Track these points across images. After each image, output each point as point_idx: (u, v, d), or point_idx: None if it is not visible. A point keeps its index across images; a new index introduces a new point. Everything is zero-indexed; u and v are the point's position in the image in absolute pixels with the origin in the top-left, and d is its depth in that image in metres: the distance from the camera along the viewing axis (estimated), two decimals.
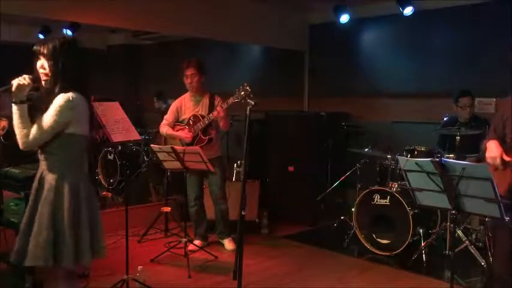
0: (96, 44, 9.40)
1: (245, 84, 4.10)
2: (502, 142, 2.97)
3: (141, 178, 6.61)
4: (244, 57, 8.08)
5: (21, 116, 2.54)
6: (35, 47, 2.58)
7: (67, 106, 2.52)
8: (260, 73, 7.77)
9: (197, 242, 5.00)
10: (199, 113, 4.89)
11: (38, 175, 2.66)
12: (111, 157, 6.74)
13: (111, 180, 6.76)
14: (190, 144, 4.75)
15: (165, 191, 5.75)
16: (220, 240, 5.12)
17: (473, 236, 4.86)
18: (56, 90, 2.55)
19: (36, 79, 2.58)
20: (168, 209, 5.35)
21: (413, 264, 4.63)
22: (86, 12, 5.19)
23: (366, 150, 5.30)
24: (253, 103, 3.58)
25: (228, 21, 6.17)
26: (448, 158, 4.44)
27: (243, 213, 3.05)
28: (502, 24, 5.28)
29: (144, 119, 8.48)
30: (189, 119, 4.91)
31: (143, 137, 6.87)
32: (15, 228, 3.96)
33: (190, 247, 4.70)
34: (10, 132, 6.78)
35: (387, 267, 4.65)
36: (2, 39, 7.16)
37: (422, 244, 4.75)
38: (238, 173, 6.15)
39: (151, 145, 4.74)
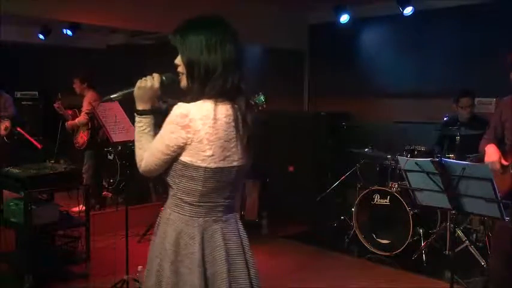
0: (96, 44, 9.39)
1: (260, 92, 4.10)
2: (501, 143, 2.98)
3: (141, 178, 6.60)
4: (244, 57, 8.07)
5: None
6: None
7: None
8: (260, 73, 7.76)
9: None
10: None
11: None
12: (111, 157, 6.74)
13: (111, 180, 6.75)
14: None
15: (165, 191, 5.75)
16: None
17: (473, 236, 4.87)
18: None
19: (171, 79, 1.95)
20: None
21: (413, 264, 4.63)
22: (86, 12, 5.19)
23: (366, 150, 5.30)
24: (253, 103, 3.58)
25: (228, 22, 6.17)
26: (448, 158, 4.44)
27: (242, 213, 3.06)
28: (502, 24, 5.28)
29: None
30: None
31: None
32: (15, 228, 3.97)
33: None
34: (13, 132, 6.81)
35: (387, 267, 4.64)
36: (2, 39, 7.15)
37: (422, 244, 4.75)
38: None
39: None
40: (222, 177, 1.77)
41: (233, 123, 1.75)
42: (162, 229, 1.87)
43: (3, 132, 6.81)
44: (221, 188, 1.79)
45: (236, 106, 1.77)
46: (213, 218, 1.81)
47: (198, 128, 1.69)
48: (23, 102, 9.03)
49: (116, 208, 5.91)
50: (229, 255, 1.80)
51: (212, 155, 1.72)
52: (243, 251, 1.85)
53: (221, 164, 1.75)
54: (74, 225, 4.15)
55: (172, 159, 1.76)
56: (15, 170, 3.92)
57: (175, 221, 1.82)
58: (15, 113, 7.03)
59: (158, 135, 1.79)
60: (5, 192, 4.13)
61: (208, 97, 1.74)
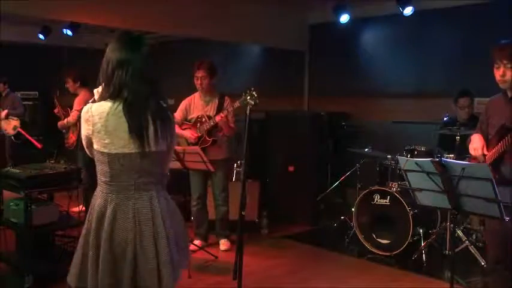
0: (96, 44, 9.39)
1: (252, 88, 4.12)
2: (485, 140, 3.06)
3: None
4: (244, 57, 8.08)
5: None
6: None
7: None
8: (260, 73, 7.77)
9: (197, 242, 5.00)
10: (207, 113, 4.88)
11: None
12: None
13: None
14: (195, 144, 4.77)
15: None
16: (218, 241, 5.12)
17: (473, 236, 4.87)
18: None
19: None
20: None
21: (413, 264, 4.63)
22: (86, 12, 5.19)
23: (366, 150, 5.31)
24: (253, 103, 3.58)
25: (228, 21, 6.17)
26: (448, 158, 4.44)
27: (243, 213, 3.06)
28: (502, 24, 5.27)
29: None
30: (196, 118, 4.92)
31: None
32: (15, 228, 3.97)
33: (191, 247, 4.69)
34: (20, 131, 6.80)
35: (387, 267, 4.64)
36: (2, 39, 7.15)
37: (422, 244, 4.75)
38: (238, 173, 6.15)
39: None
40: (125, 161, 2.13)
41: (123, 118, 2.10)
42: (92, 202, 2.26)
43: (11, 132, 6.78)
44: (128, 170, 2.14)
45: (130, 104, 2.11)
46: (125, 195, 2.16)
47: (96, 122, 2.12)
48: (23, 102, 9.03)
49: None
50: (138, 224, 2.15)
51: (111, 143, 2.11)
52: (153, 222, 2.16)
53: (120, 150, 2.11)
54: (74, 225, 4.15)
55: (91, 147, 2.19)
56: (15, 170, 3.91)
57: (97, 197, 2.22)
58: (24, 112, 7.00)
59: None
60: (5, 192, 4.12)
61: (109, 96, 2.14)
